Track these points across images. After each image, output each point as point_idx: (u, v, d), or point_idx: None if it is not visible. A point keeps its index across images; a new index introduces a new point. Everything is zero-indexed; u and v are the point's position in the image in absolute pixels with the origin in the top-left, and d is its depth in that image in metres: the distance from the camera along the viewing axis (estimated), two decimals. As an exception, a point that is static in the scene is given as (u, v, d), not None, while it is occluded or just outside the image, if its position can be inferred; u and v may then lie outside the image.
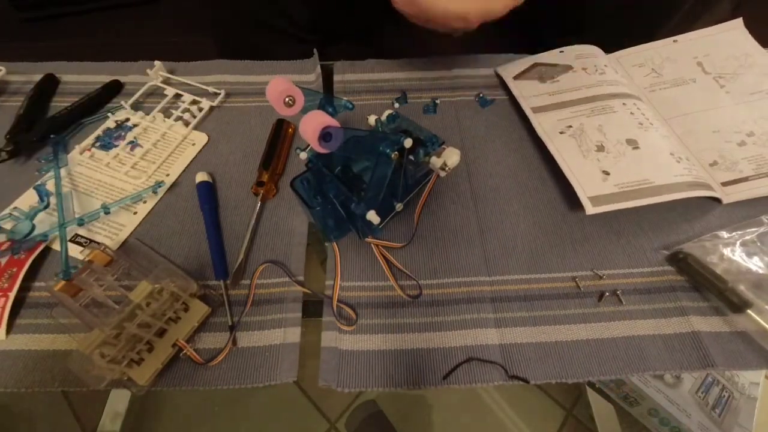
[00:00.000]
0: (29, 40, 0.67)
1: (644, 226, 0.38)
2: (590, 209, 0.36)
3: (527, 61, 0.50)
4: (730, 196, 0.39)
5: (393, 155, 0.30)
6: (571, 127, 0.42)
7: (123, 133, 0.45)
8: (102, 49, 0.56)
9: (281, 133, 0.44)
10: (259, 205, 0.39)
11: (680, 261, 0.36)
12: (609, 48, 0.51)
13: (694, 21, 0.53)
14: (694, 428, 0.61)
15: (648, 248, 0.37)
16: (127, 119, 0.46)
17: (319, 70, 0.51)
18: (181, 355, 0.31)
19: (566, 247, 0.37)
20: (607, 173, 0.38)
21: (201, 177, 0.40)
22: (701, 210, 0.39)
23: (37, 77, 0.49)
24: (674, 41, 0.51)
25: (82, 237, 0.37)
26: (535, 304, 0.34)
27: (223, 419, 0.83)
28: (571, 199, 0.40)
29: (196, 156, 0.44)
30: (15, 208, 0.38)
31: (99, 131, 0.45)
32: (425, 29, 0.39)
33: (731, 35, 0.51)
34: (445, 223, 0.39)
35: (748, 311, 0.33)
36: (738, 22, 0.51)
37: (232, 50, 0.55)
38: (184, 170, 0.42)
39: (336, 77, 0.51)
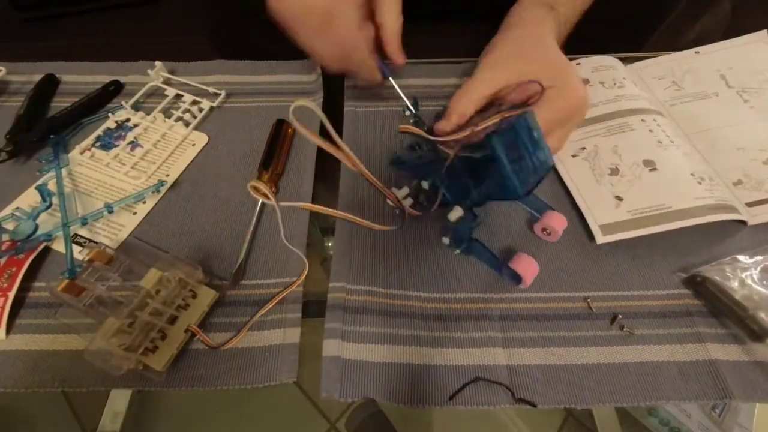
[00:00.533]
0: (29, 40, 0.68)
1: (661, 247, 0.37)
2: (600, 239, 0.35)
3: None
4: (756, 217, 0.37)
5: None
6: (584, 149, 0.41)
7: (123, 133, 0.45)
8: (102, 49, 0.56)
9: (281, 134, 0.43)
10: (259, 205, 0.39)
11: (698, 284, 0.34)
12: (602, 51, 0.50)
13: (694, 22, 0.53)
14: (694, 428, 0.61)
15: (664, 270, 0.36)
16: (128, 119, 0.46)
17: (320, 70, 0.50)
18: (194, 339, 0.32)
19: (578, 267, 0.36)
20: (620, 199, 0.37)
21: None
22: (723, 232, 0.37)
23: (37, 77, 0.49)
24: (696, 53, 0.49)
25: (81, 237, 0.37)
26: (545, 324, 0.33)
27: (223, 419, 0.83)
28: (585, 218, 0.38)
29: (196, 156, 0.44)
30: (17, 208, 0.38)
31: (99, 131, 0.45)
32: (426, 31, 0.39)
33: (755, 47, 0.49)
34: None
35: None
36: (762, 34, 0.49)
37: (232, 49, 0.55)
38: (183, 170, 0.42)
39: (347, 82, 0.50)
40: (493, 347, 0.32)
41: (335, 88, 0.49)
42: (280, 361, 0.32)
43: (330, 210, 0.33)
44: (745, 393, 0.30)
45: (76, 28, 0.69)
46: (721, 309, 0.33)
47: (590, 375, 0.31)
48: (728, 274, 0.35)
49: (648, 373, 0.31)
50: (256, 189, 0.36)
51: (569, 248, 0.37)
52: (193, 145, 0.44)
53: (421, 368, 0.32)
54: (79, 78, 0.51)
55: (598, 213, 0.37)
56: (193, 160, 0.43)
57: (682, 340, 0.33)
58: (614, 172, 0.39)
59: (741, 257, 0.36)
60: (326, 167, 0.43)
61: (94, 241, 0.37)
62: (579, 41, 0.50)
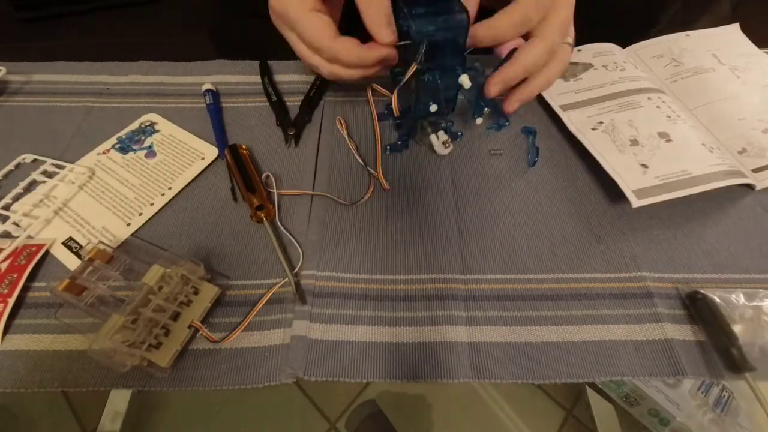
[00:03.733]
0: (29, 40, 0.68)
1: (625, 231, 0.38)
2: (636, 202, 0.36)
3: None
4: (762, 182, 0.40)
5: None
6: (602, 123, 0.43)
7: (143, 138, 0.45)
8: (102, 49, 0.56)
9: (240, 156, 0.42)
10: (270, 227, 0.37)
11: (696, 301, 0.33)
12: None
13: (694, 21, 0.53)
14: (695, 428, 0.61)
15: (627, 254, 0.37)
16: (154, 123, 0.46)
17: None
18: (197, 335, 0.32)
19: (543, 249, 0.37)
20: (645, 166, 0.39)
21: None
22: (686, 219, 0.39)
23: (37, 77, 0.49)
24: (687, 35, 0.52)
25: (75, 242, 0.37)
26: (508, 304, 0.34)
27: (223, 419, 0.83)
28: (551, 201, 0.40)
29: (202, 172, 0.42)
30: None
31: (122, 133, 0.45)
32: None
33: (731, 37, 0.52)
34: (425, 220, 0.39)
35: (747, 375, 0.30)
36: (735, 27, 0.53)
37: (232, 49, 0.55)
38: (186, 186, 0.41)
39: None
40: (455, 325, 0.33)
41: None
42: (281, 361, 0.32)
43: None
44: (697, 370, 0.32)
45: (76, 28, 0.69)
46: (711, 332, 0.32)
47: (549, 352, 0.32)
48: (733, 303, 0.33)
49: (605, 351, 0.32)
50: (260, 219, 0.38)
51: (536, 232, 0.38)
52: (203, 158, 0.43)
53: (383, 346, 0.32)
54: (79, 78, 0.51)
55: (629, 179, 0.38)
56: (196, 177, 0.42)
57: (640, 320, 0.34)
58: (634, 143, 0.41)
59: (764, 291, 0.34)
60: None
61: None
62: (579, 41, 0.50)
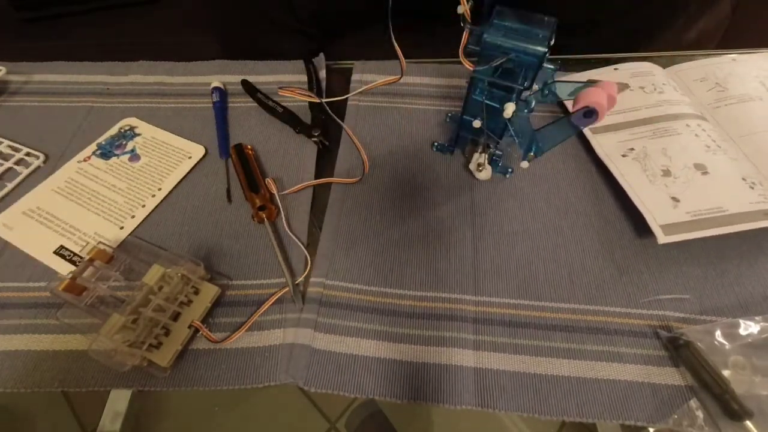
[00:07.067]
0: (29, 40, 0.68)
1: (651, 264, 0.36)
2: (662, 238, 0.34)
3: (580, 77, 0.48)
4: None
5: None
6: (633, 149, 0.40)
7: (125, 142, 0.44)
8: (102, 49, 0.56)
9: (245, 156, 0.42)
10: (270, 228, 0.37)
11: (679, 348, 0.31)
12: (614, 49, 0.50)
13: (694, 22, 0.53)
14: (695, 428, 0.61)
15: (651, 289, 0.35)
16: (134, 126, 0.46)
17: (324, 74, 0.50)
18: (197, 335, 0.32)
19: (561, 276, 0.35)
20: (676, 200, 0.36)
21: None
22: (719, 257, 0.36)
23: (37, 77, 0.49)
24: (733, 59, 0.49)
25: (67, 250, 0.36)
26: (519, 331, 0.33)
27: (223, 419, 0.83)
28: (574, 226, 0.38)
29: (190, 171, 0.42)
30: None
31: (101, 139, 0.45)
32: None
33: None
34: (440, 234, 0.38)
35: (747, 422, 0.28)
36: None
37: (232, 49, 0.55)
38: (177, 184, 0.41)
39: (354, 76, 0.50)
40: (462, 348, 0.32)
41: (339, 83, 0.50)
42: (280, 360, 0.32)
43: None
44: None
45: (76, 28, 0.69)
46: (699, 380, 0.30)
47: (559, 387, 0.31)
48: (716, 348, 0.31)
49: (619, 392, 0.30)
50: (261, 219, 0.37)
51: (554, 257, 0.37)
52: (189, 158, 0.43)
53: (386, 363, 0.32)
54: (79, 78, 0.51)
55: (657, 213, 0.35)
56: (189, 173, 0.42)
57: (661, 362, 0.31)
58: (666, 173, 0.38)
59: (743, 324, 0.31)
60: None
61: (80, 256, 0.36)
62: (587, 41, 0.50)
